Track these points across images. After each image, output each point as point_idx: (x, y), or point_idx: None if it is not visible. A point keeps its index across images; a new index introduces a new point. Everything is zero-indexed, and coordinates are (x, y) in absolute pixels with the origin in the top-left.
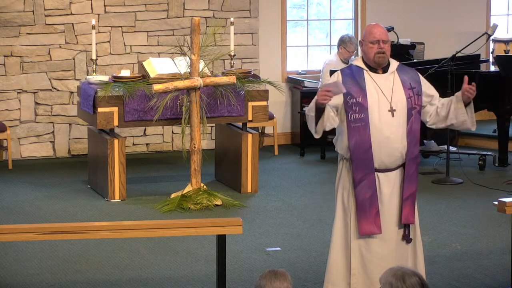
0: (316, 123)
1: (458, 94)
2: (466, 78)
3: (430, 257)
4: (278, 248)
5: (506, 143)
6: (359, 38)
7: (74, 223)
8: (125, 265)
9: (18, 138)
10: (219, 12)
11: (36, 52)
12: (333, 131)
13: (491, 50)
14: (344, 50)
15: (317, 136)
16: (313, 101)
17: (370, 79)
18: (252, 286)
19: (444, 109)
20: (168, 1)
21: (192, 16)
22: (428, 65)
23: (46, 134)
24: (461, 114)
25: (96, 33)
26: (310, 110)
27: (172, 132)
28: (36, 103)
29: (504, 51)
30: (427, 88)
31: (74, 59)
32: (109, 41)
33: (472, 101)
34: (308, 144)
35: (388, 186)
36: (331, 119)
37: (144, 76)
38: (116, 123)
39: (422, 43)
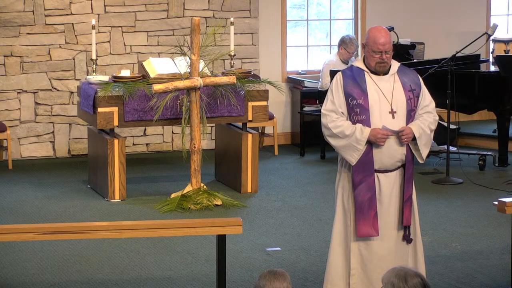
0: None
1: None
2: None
3: (430, 257)
4: (278, 248)
5: (506, 143)
6: (360, 39)
7: (74, 223)
8: (125, 265)
9: (18, 138)
10: (219, 12)
11: (36, 52)
12: None
13: (491, 50)
14: (345, 51)
15: (354, 163)
16: (360, 132)
17: (371, 81)
18: (252, 286)
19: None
20: (168, 1)
21: (192, 16)
22: (428, 65)
23: (46, 134)
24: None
25: (96, 33)
26: (357, 142)
27: (172, 132)
28: (36, 103)
29: (504, 51)
30: (425, 95)
31: (74, 59)
32: (109, 41)
33: (419, 139)
34: (308, 144)
35: (388, 186)
36: None
37: (144, 76)
38: (116, 123)
39: (422, 43)
